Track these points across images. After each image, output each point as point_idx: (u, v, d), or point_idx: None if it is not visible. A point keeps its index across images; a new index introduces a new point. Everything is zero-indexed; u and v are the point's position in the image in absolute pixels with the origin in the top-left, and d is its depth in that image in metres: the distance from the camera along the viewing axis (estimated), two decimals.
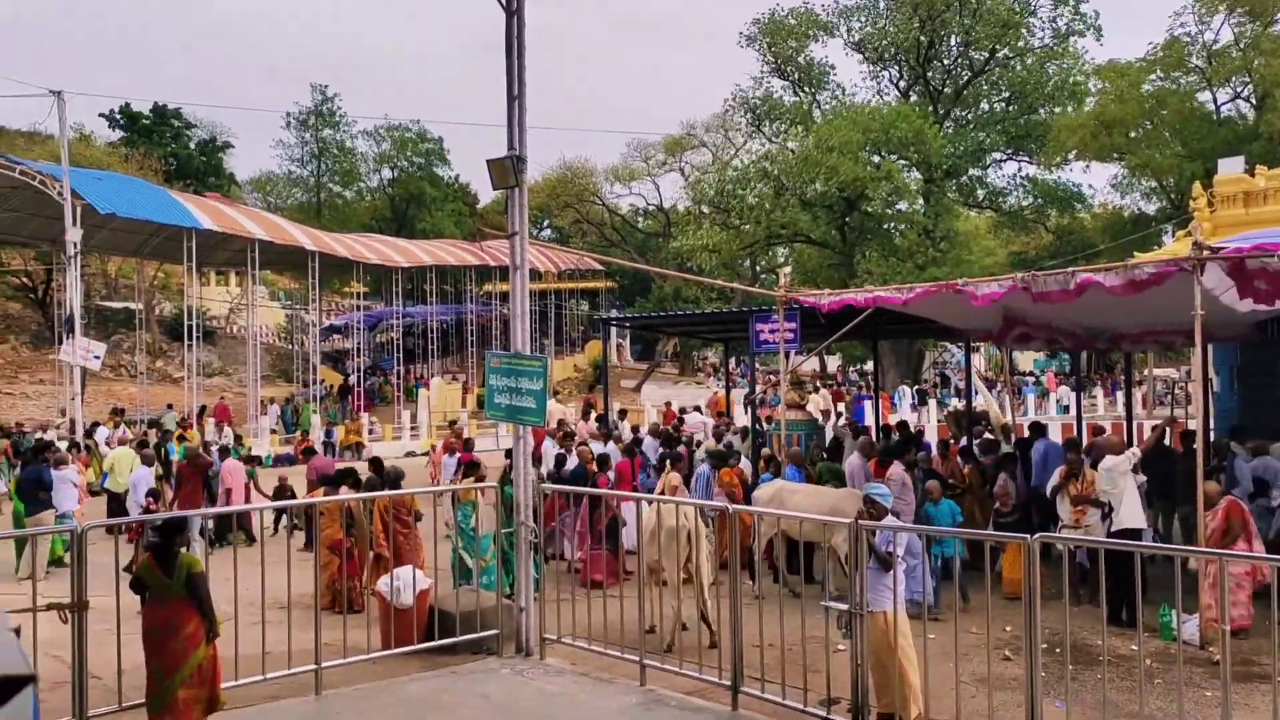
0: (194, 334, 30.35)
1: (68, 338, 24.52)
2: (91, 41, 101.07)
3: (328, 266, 36.21)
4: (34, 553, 9.75)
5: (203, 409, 30.33)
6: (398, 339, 41.25)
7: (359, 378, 38.38)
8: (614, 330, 48.25)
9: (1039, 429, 14.86)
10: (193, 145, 55.43)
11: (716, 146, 48.78)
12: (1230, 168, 17.14)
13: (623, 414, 22.98)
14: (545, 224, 60.92)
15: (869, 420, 23.85)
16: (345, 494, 11.21)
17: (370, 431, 31.91)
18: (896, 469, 11.84)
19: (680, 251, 40.84)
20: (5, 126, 50.99)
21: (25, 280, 42.17)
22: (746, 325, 14.96)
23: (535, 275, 44.31)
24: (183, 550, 6.81)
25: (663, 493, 13.21)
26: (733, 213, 38.75)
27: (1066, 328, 13.43)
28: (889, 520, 7.31)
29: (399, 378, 39.09)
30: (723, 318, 23.38)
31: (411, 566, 9.47)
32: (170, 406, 30.25)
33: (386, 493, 11.31)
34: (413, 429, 32.72)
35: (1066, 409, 34.66)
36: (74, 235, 24.24)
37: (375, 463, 13.56)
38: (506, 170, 8.98)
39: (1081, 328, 13.58)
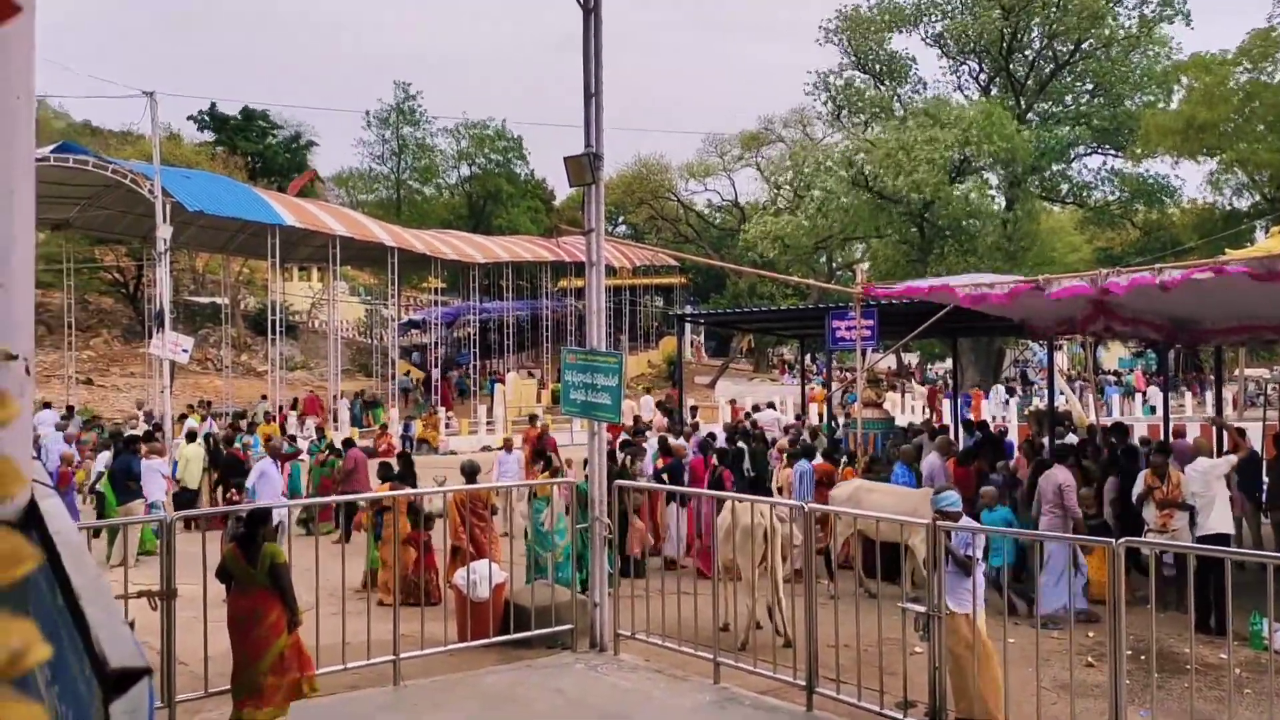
0: (277, 328, 31.11)
1: (157, 332, 25.26)
2: (182, 44, 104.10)
3: (406, 262, 36.79)
4: (125, 541, 10.07)
5: (294, 402, 31.07)
6: (474, 334, 41.75)
7: (437, 372, 38.95)
8: (688, 326, 48.20)
9: (1121, 431, 14.49)
10: (277, 143, 56.71)
11: (794, 141, 48.33)
12: None
13: (694, 410, 22.97)
14: (620, 220, 61.06)
15: (949, 418, 23.49)
16: (411, 489, 11.40)
17: (447, 426, 32.36)
18: (1061, 473, 11.20)
19: (749, 243, 40.64)
20: (100, 127, 52.86)
21: (117, 276, 43.59)
22: (823, 322, 14.86)
23: (610, 271, 44.37)
24: (267, 540, 6.99)
25: (779, 488, 13.19)
26: (805, 200, 38.39)
27: (1155, 319, 13.07)
28: (966, 520, 7.21)
29: (475, 372, 39.57)
30: (798, 314, 23.21)
31: (488, 560, 9.60)
32: (264, 398, 31.03)
33: (464, 487, 11.47)
34: (489, 424, 33.10)
35: (1153, 409, 33.74)
36: (164, 232, 24.95)
37: (404, 459, 13.96)
38: (583, 168, 9.04)
39: (1170, 319, 13.21)
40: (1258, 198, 38.03)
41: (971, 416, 23.31)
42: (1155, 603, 6.33)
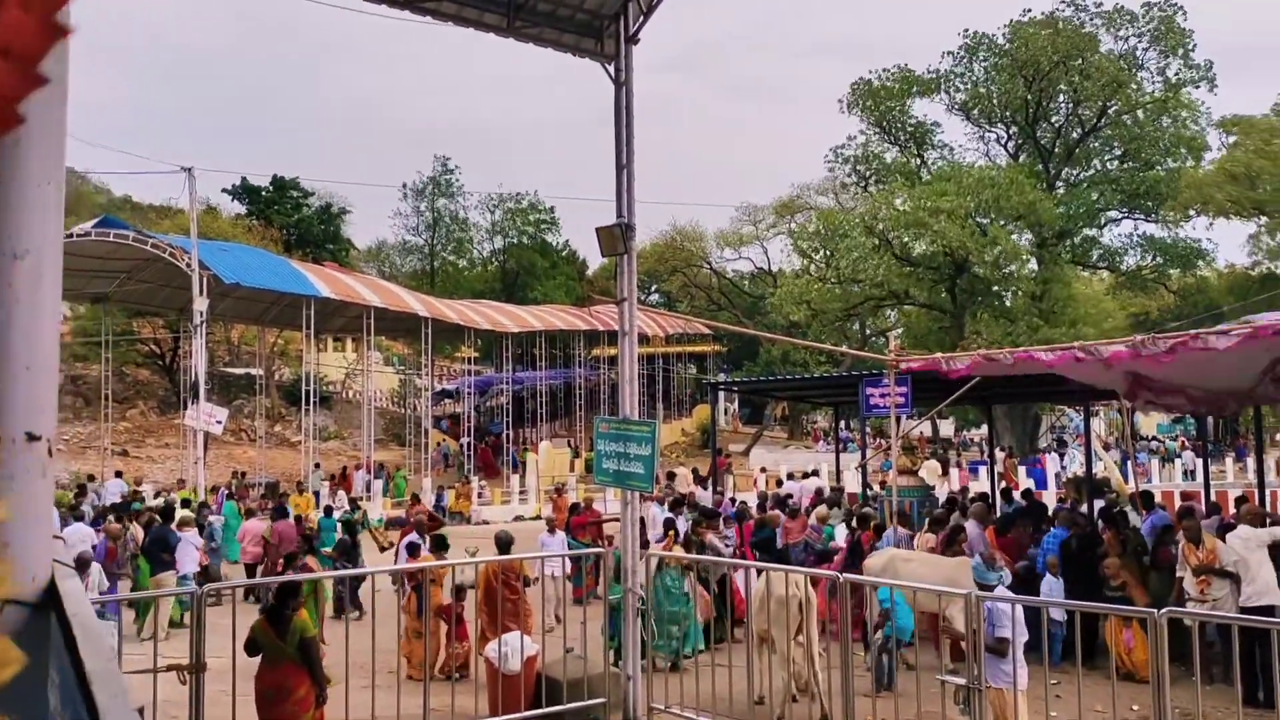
0: (311, 399, 31.39)
1: (192, 403, 25.59)
2: (216, 118, 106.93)
3: (440, 332, 37.15)
4: (155, 613, 10.08)
5: (343, 470, 31.37)
6: (508, 403, 41.92)
7: (469, 440, 39.07)
8: (722, 394, 48.14)
9: (1148, 500, 14.25)
10: (311, 214, 57.86)
11: (827, 209, 48.71)
12: None
13: (703, 480, 22.88)
14: (653, 288, 61.48)
15: (988, 485, 23.18)
16: (456, 559, 11.35)
17: (480, 495, 32.34)
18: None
19: (776, 305, 40.72)
20: (140, 201, 54.19)
21: (154, 348, 44.28)
22: (856, 389, 14.79)
23: (643, 339, 44.55)
24: (296, 614, 6.97)
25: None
26: (832, 266, 38.52)
27: (1194, 389, 12.90)
28: (1002, 591, 7.07)
29: (508, 441, 39.64)
30: (832, 381, 23.14)
31: (519, 632, 9.51)
32: (317, 466, 31.29)
33: (498, 558, 11.42)
34: (521, 493, 33.05)
35: (1191, 475, 33.14)
36: (201, 304, 25.43)
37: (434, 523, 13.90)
38: (615, 238, 9.14)
39: (1207, 390, 13.03)
40: None
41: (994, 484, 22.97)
42: (1201, 675, 6.16)
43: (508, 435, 39.76)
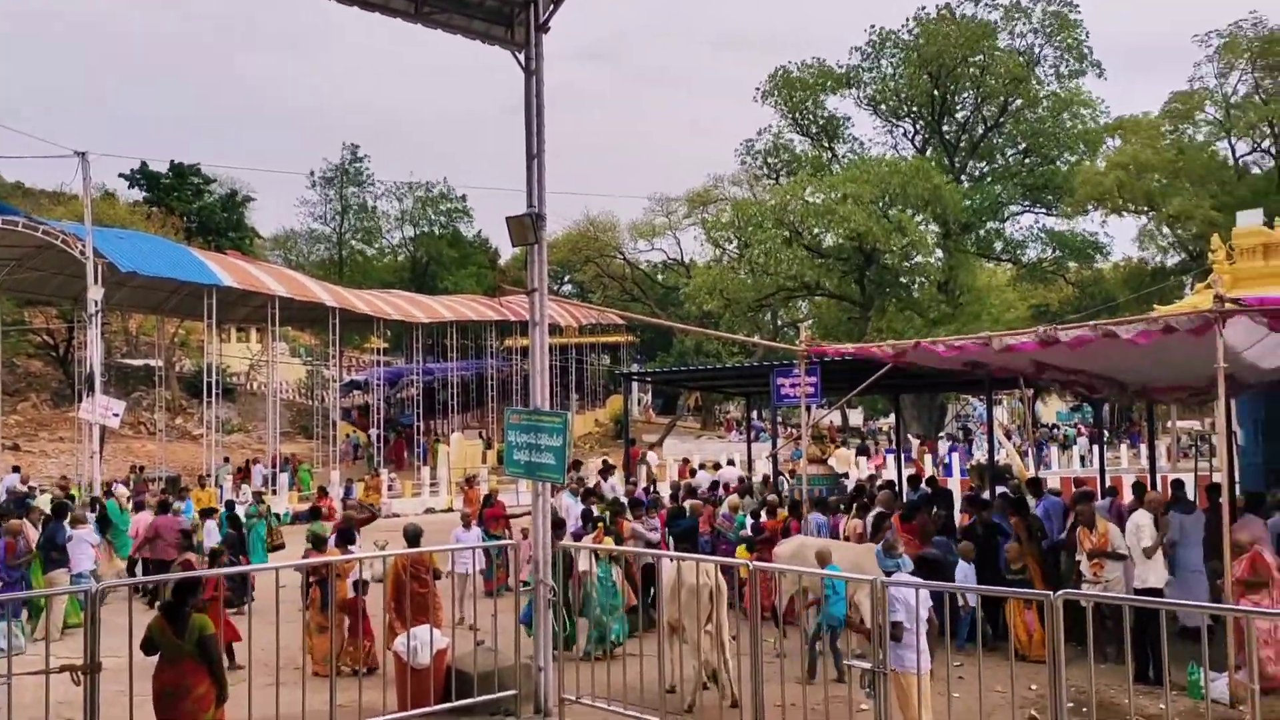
0: (213, 391, 30.56)
1: (87, 395, 24.75)
2: (114, 103, 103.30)
3: (348, 322, 36.50)
4: (48, 614, 9.74)
5: (246, 464, 30.69)
6: (418, 394, 41.46)
7: (378, 432, 38.51)
8: (635, 385, 48.27)
9: (1036, 486, 14.74)
10: (214, 201, 56.27)
11: (741, 200, 49.04)
12: (1249, 220, 17.09)
13: (609, 470, 22.92)
14: (566, 278, 61.36)
15: (899, 473, 23.66)
16: (360, 552, 11.19)
17: (389, 488, 31.92)
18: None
19: (690, 295, 41.02)
20: (31, 187, 52.05)
21: (47, 338, 42.67)
22: (768, 379, 14.95)
23: (556, 330, 44.49)
24: (195, 611, 6.80)
25: (846, 538, 13.14)
26: (746, 255, 38.93)
27: (1098, 375, 13.34)
28: (904, 577, 7.25)
29: (419, 433, 39.20)
30: (744, 372, 23.37)
31: (429, 626, 9.42)
32: (226, 460, 30.36)
33: (406, 550, 11.29)
34: (432, 485, 32.72)
35: (1086, 460, 34.37)
36: (95, 293, 24.57)
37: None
38: (526, 228, 9.09)
39: (1110, 378, 13.50)
40: (1184, 255, 39.25)
41: (915, 470, 23.49)
42: (1096, 654, 6.41)
43: (418, 427, 39.30)
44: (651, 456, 32.14)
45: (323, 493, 28.59)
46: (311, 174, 59.51)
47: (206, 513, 16.84)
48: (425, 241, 59.62)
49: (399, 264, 60.93)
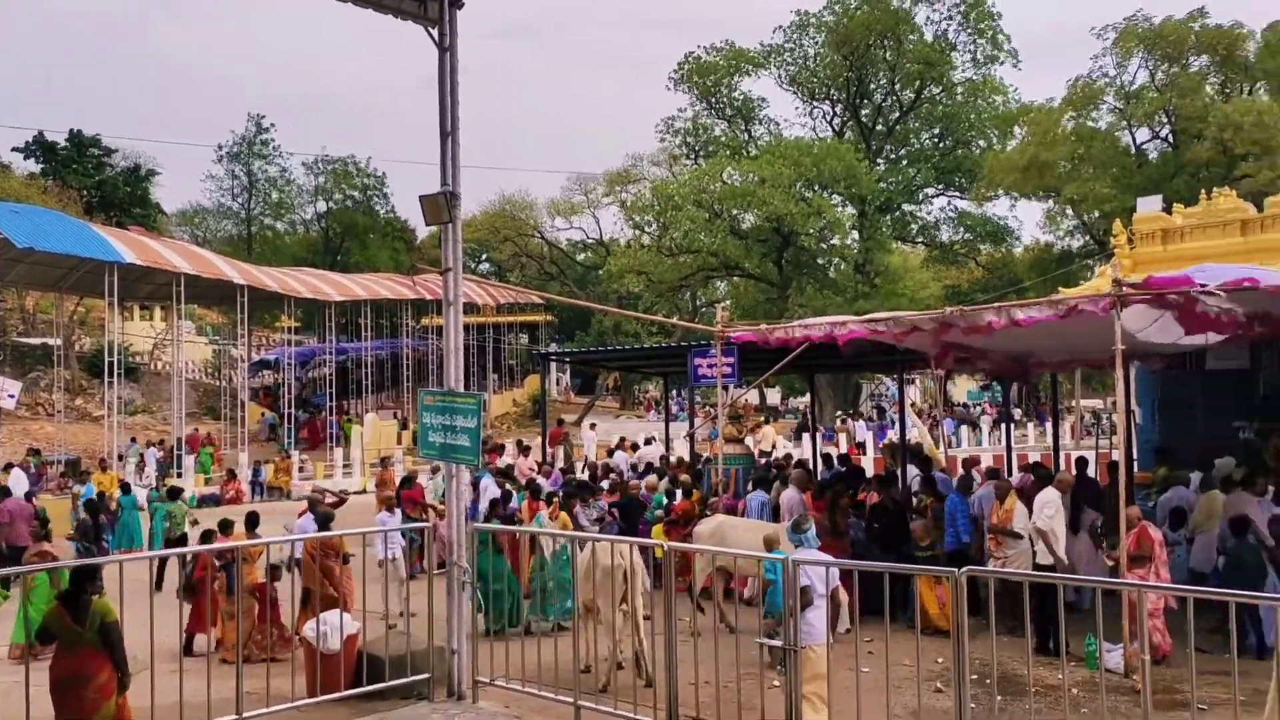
0: (115, 370, 29.64)
1: None
2: (12, 71, 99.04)
3: (257, 300, 35.69)
4: None
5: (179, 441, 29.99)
6: (331, 374, 40.77)
7: (290, 414, 37.82)
8: (554, 365, 48.16)
9: (925, 463, 15.27)
10: (116, 174, 54.43)
11: (660, 180, 49.11)
12: (1149, 206, 17.78)
13: (526, 450, 22.86)
14: (483, 257, 60.85)
15: (808, 451, 24.02)
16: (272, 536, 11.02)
17: (301, 470, 31.39)
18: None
19: (612, 274, 41.04)
20: None
21: None
22: (685, 360, 15.05)
23: (472, 309, 44.09)
24: (95, 597, 6.64)
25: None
26: (666, 235, 39.12)
27: (999, 353, 13.75)
28: (809, 554, 7.41)
29: (331, 413, 38.60)
30: (662, 352, 23.49)
31: (339, 611, 9.32)
32: (133, 440, 29.35)
33: (317, 535, 11.15)
34: (345, 467, 32.26)
35: (992, 437, 35.35)
36: None
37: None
38: (439, 206, 8.99)
39: (1012, 355, 13.92)
40: (1088, 239, 40.47)
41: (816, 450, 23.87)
42: (998, 627, 6.66)
43: (331, 407, 38.69)
44: (589, 435, 32.09)
45: (231, 475, 28.05)
46: (219, 147, 57.95)
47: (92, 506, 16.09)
48: (339, 218, 58.49)
49: (312, 241, 59.69)
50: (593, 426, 35.21)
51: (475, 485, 14.79)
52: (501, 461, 21.18)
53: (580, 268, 58.01)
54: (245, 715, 7.69)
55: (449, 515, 9.08)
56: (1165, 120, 37.88)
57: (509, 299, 49.69)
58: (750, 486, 14.39)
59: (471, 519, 10.39)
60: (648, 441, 26.28)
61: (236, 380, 39.31)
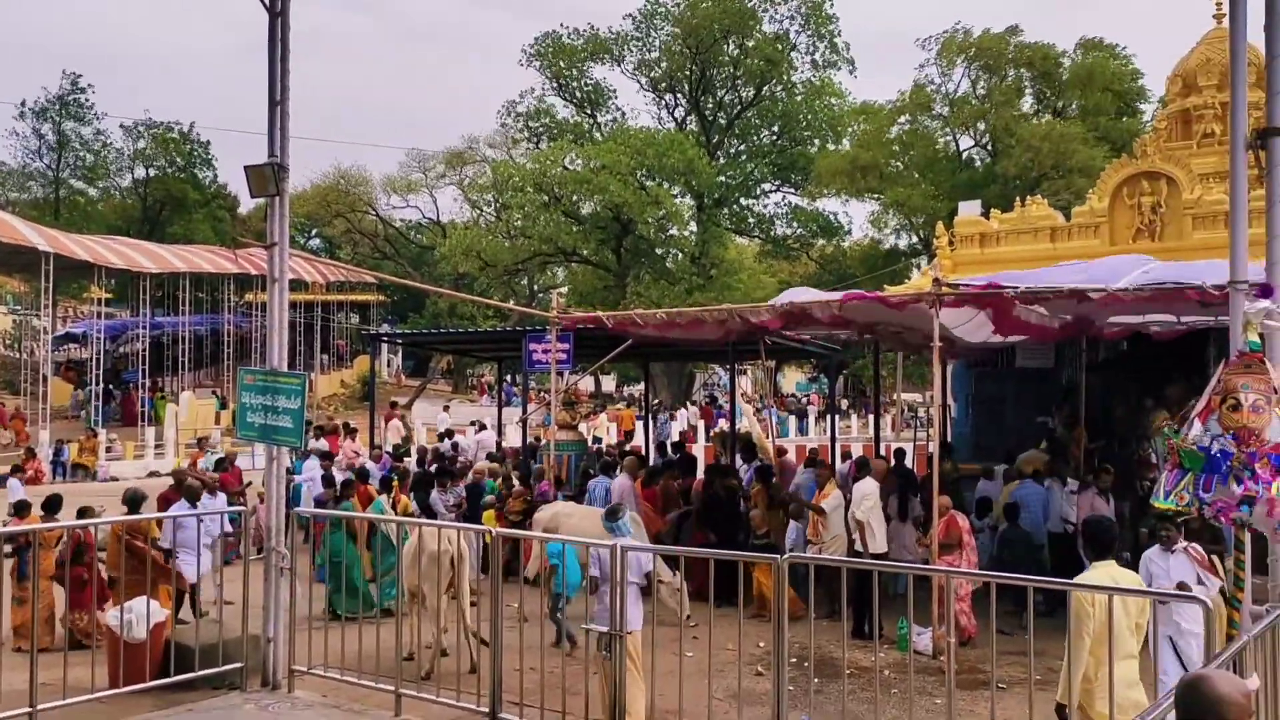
0: None
1: None
2: None
3: (65, 269, 33.51)
4: None
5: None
6: (144, 349, 38.70)
7: (99, 390, 35.71)
8: (385, 346, 47.09)
9: (750, 453, 15.89)
10: None
11: (500, 161, 48.52)
12: (969, 210, 18.77)
13: (353, 432, 22.34)
14: (314, 232, 58.85)
15: (643, 439, 24.35)
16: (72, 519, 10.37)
17: (109, 450, 29.72)
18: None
19: (447, 254, 40.45)
20: None
21: None
22: (521, 344, 14.99)
23: (301, 286, 42.72)
24: None
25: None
26: (505, 218, 38.84)
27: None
28: (633, 541, 7.56)
29: (143, 390, 36.65)
30: (496, 336, 23.30)
31: (145, 598, 8.88)
32: None
33: (125, 518, 10.56)
34: (157, 447, 30.72)
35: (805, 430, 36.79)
36: None
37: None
38: (266, 178, 8.64)
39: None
40: (914, 238, 42.37)
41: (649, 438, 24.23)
42: (818, 611, 6.92)
43: (143, 384, 36.72)
44: (443, 417, 31.39)
45: (30, 454, 26.29)
46: (22, 103, 53.96)
47: None
48: (159, 186, 55.42)
49: (128, 208, 56.35)
50: (446, 408, 34.60)
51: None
52: (343, 445, 20.62)
53: (416, 248, 56.85)
54: (40, 707, 7.23)
55: (268, 499, 8.77)
56: (984, 129, 40.00)
57: (340, 277, 48.22)
58: (594, 473, 14.48)
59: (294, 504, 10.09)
60: (481, 427, 26.09)
61: (39, 353, 36.84)
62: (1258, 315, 5.49)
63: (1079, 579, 6.25)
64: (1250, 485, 5.06)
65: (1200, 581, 7.46)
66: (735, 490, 13.56)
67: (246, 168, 8.63)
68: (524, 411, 21.22)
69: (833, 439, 21.12)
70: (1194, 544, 7.67)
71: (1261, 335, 5.49)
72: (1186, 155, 16.56)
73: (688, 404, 40.70)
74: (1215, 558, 7.74)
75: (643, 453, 20.70)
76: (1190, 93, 17.63)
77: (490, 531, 8.17)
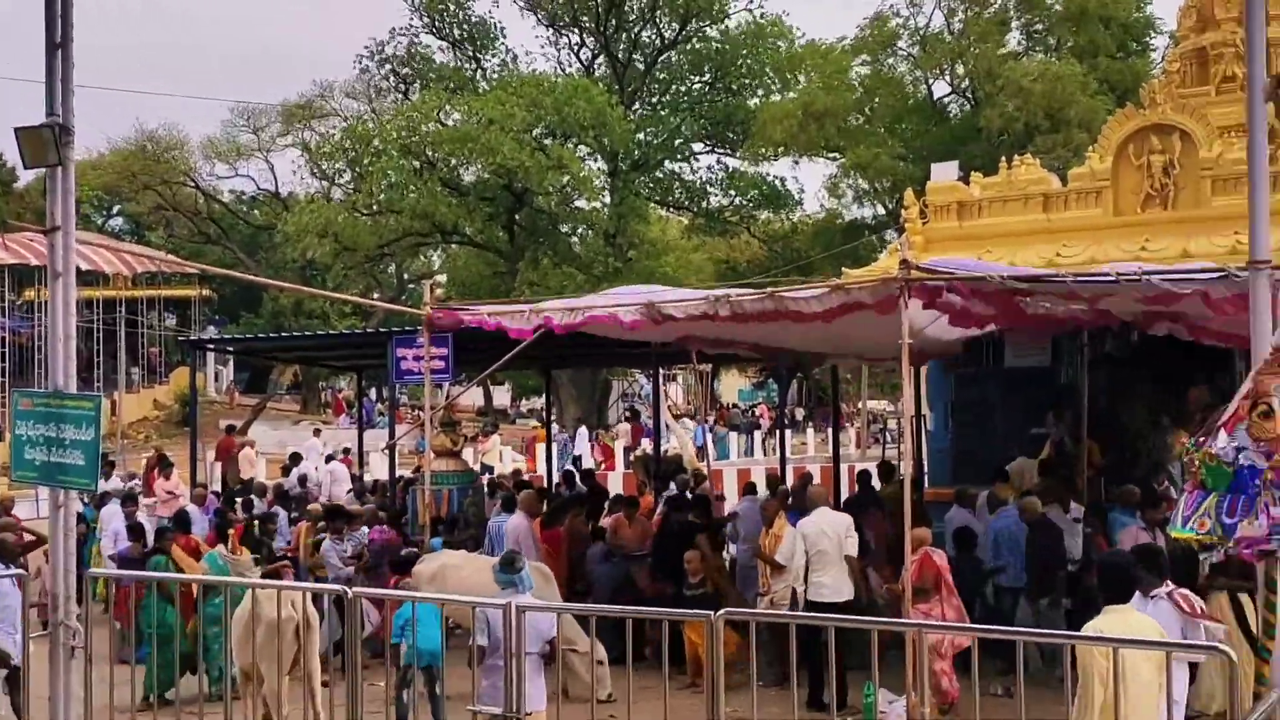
0: None
1: None
2: None
3: None
4: None
5: None
6: None
7: None
8: (211, 355, 46.25)
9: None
10: None
11: (357, 116, 47.98)
12: (944, 174, 18.89)
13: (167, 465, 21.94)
14: (114, 210, 57.69)
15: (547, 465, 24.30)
16: None
17: None
18: None
19: (290, 236, 39.90)
20: None
21: None
22: (386, 350, 14.86)
23: (98, 280, 41.76)
24: None
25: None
26: (364, 189, 38.37)
27: (759, 344, 14.40)
28: (524, 600, 7.55)
29: None
30: (355, 340, 23.04)
31: None
32: None
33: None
34: None
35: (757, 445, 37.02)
36: None
37: None
38: (44, 143, 8.41)
39: (773, 347, 14.59)
40: (880, 209, 42.91)
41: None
42: (768, 675, 6.96)
43: None
44: (313, 443, 30.69)
45: None
46: None
47: None
48: None
49: None
50: (317, 433, 34.07)
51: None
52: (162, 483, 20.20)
53: (249, 228, 55.98)
54: None
55: (53, 558, 8.54)
56: (963, 73, 40.70)
57: (151, 268, 47.28)
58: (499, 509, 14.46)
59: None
60: (339, 454, 25.87)
61: None
62: None
63: (1087, 628, 6.39)
64: (1275, 514, 5.20)
65: (1185, 637, 7.33)
66: (696, 527, 13.52)
67: (18, 130, 8.42)
68: (391, 435, 21.04)
69: (783, 460, 21.34)
70: (1183, 589, 7.43)
71: None
72: (1204, 104, 16.91)
73: (599, 420, 40.71)
74: (1245, 596, 7.95)
75: (544, 484, 20.70)
76: (1207, 27, 18.06)
77: (346, 591, 8.06)
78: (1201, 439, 5.88)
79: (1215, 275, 9.06)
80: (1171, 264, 13.45)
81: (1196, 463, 5.73)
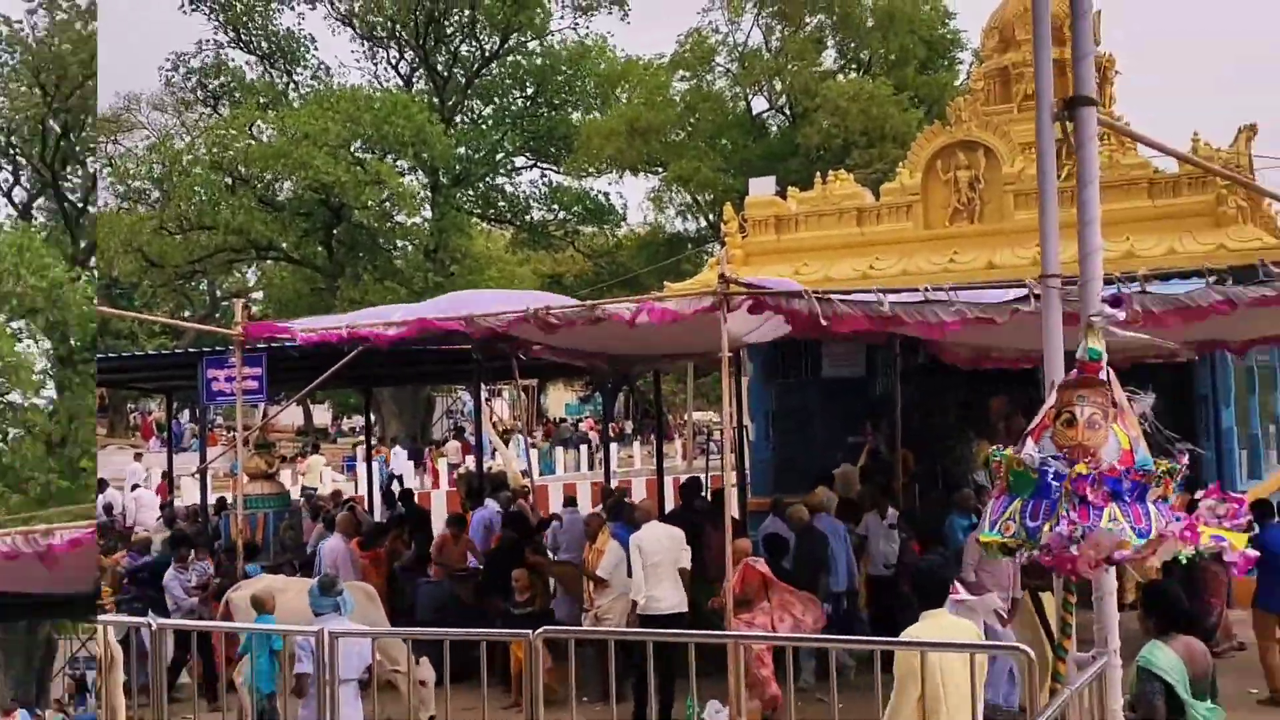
0: None
1: None
2: None
3: None
4: None
5: None
6: None
7: None
8: None
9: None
10: None
11: (166, 130, 46.30)
12: (761, 188, 19.21)
13: None
14: None
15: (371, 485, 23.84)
16: None
17: None
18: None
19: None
20: None
21: None
22: (197, 371, 14.38)
23: None
24: None
25: None
26: (171, 206, 37.15)
27: (576, 350, 14.38)
28: (342, 625, 7.39)
29: None
30: (166, 361, 22.22)
31: None
32: None
33: None
34: None
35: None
36: None
37: None
38: None
39: (589, 354, 14.61)
40: (703, 222, 43.47)
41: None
42: (577, 695, 6.92)
43: None
44: (135, 468, 29.40)
45: None
46: None
47: None
48: None
49: None
50: (138, 458, 32.67)
51: None
52: None
53: None
54: None
55: None
56: (780, 89, 41.56)
57: None
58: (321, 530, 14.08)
59: None
60: (134, 486, 25.07)
61: None
62: (1102, 321, 5.78)
63: (906, 633, 6.54)
64: (1074, 518, 5.34)
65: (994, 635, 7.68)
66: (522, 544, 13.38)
67: None
68: (203, 459, 20.40)
69: (608, 473, 21.36)
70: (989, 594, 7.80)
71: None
72: (1007, 121, 17.59)
73: (423, 437, 40.20)
74: (1044, 595, 8.24)
75: (365, 504, 20.35)
76: (1009, 47, 18.83)
77: (150, 623, 7.74)
78: (1008, 447, 6.02)
79: (1018, 295, 9.35)
80: (977, 276, 13.99)
81: (1004, 467, 5.86)
